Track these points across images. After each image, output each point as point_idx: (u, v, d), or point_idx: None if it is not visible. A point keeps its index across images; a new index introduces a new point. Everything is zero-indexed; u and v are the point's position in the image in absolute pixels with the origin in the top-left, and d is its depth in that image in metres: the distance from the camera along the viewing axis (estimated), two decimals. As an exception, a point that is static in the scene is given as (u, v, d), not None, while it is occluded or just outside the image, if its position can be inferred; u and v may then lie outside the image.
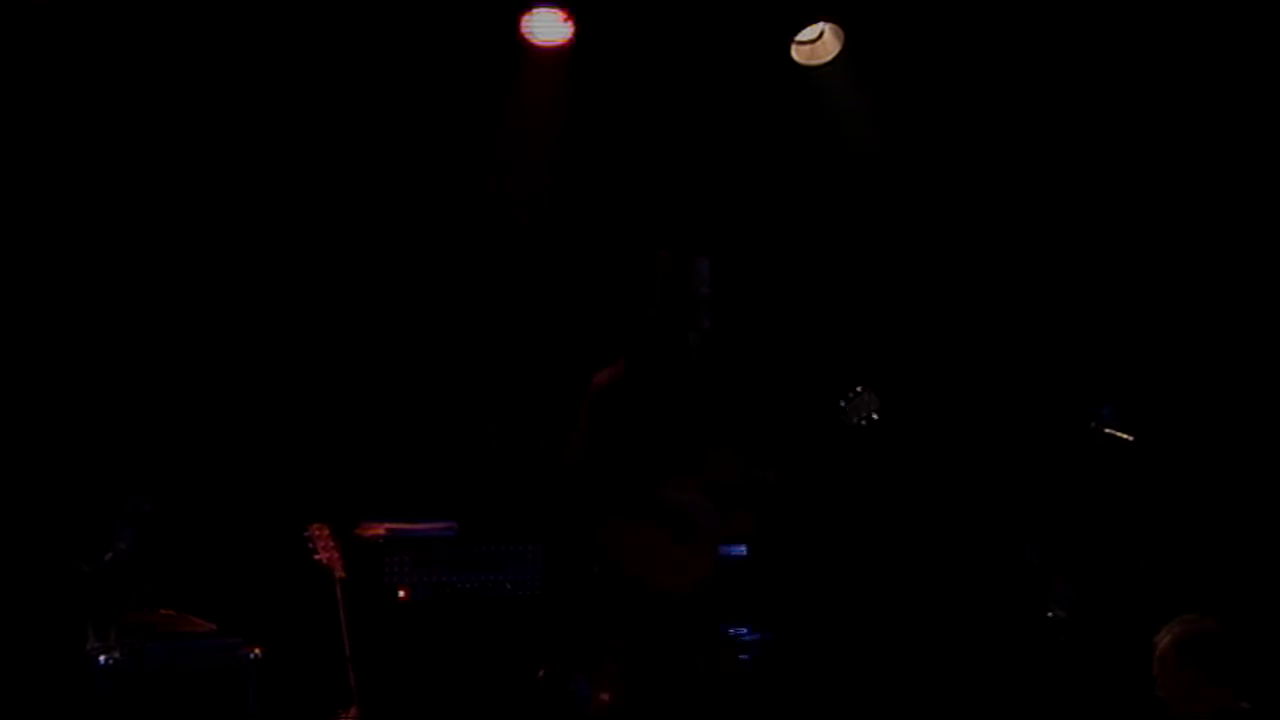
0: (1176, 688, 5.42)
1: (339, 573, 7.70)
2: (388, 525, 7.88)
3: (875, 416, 6.67)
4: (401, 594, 7.84)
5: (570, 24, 8.62)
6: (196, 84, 8.44)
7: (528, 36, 8.65)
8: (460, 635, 7.89)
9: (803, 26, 8.82)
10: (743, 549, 8.36)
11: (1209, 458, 8.59)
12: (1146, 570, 8.02)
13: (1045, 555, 8.23)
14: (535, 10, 8.60)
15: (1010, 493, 8.79)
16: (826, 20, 8.78)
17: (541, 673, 7.03)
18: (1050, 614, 8.12)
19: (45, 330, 8.28)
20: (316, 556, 7.74)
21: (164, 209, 8.52)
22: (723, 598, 6.81)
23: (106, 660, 7.29)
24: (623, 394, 6.66)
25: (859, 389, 6.73)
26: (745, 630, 8.23)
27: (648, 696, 6.46)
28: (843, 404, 6.72)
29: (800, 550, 8.86)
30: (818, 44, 8.86)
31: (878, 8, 8.82)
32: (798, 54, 8.88)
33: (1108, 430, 7.95)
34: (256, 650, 7.53)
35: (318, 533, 7.75)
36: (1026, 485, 8.71)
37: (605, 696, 6.50)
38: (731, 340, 8.96)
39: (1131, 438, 7.71)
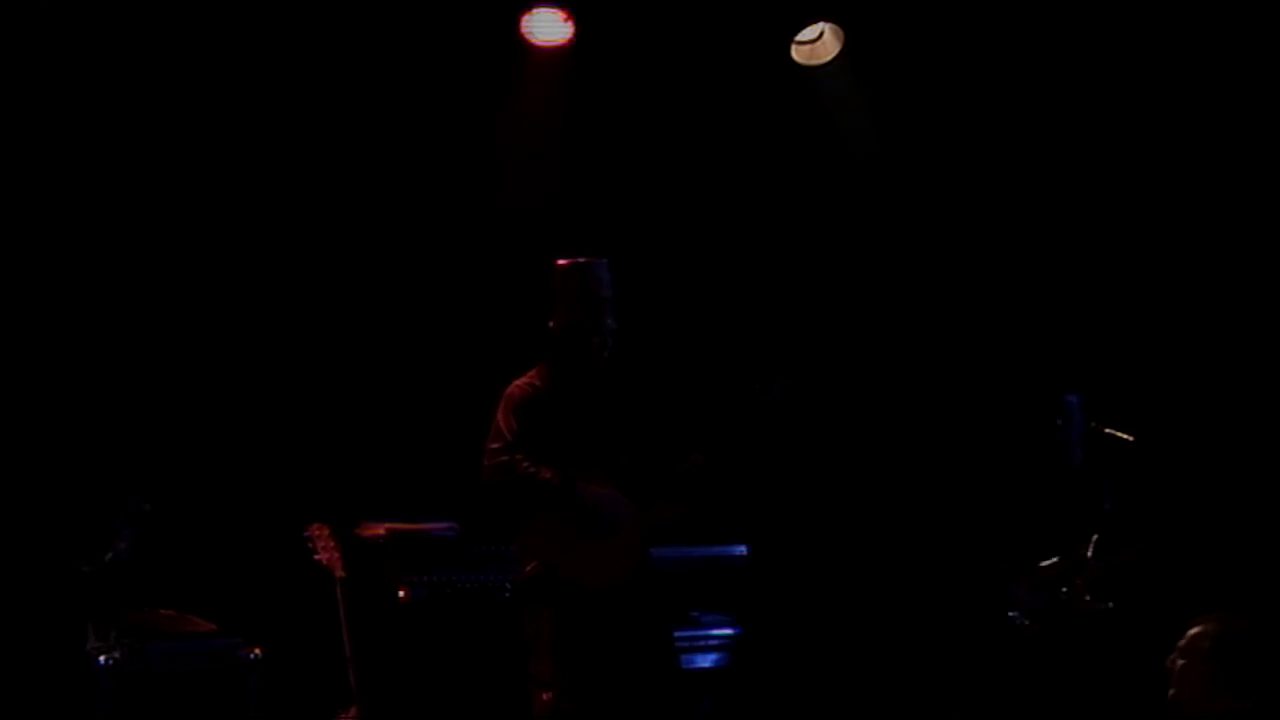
0: (1194, 676, 5.42)
1: (339, 573, 7.69)
2: (388, 525, 7.87)
3: (788, 392, 6.75)
4: (401, 594, 7.83)
5: (570, 24, 8.62)
6: (196, 84, 8.44)
7: (528, 36, 8.65)
8: (460, 635, 7.88)
9: (803, 26, 8.82)
10: (743, 549, 8.39)
11: (1180, 461, 8.59)
12: (1110, 574, 8.02)
13: (1010, 561, 8.24)
14: (535, 10, 8.60)
15: (979, 503, 8.80)
16: (826, 20, 8.78)
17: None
18: (1012, 618, 8.13)
19: (45, 330, 8.27)
20: (316, 556, 7.73)
21: (164, 209, 8.51)
22: (665, 592, 6.82)
23: (106, 660, 7.29)
24: (537, 401, 6.68)
25: (778, 376, 6.81)
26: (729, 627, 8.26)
27: (588, 692, 6.47)
28: (757, 386, 6.77)
29: (770, 554, 8.86)
30: (818, 44, 8.86)
31: (878, 8, 8.82)
32: (798, 54, 8.88)
33: (1108, 430, 7.96)
34: (256, 650, 7.54)
35: (318, 533, 7.75)
36: (995, 494, 8.72)
37: (546, 695, 6.51)
38: (721, 335, 9.07)
39: (1132, 438, 7.71)
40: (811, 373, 7.16)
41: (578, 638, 6.52)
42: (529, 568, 6.65)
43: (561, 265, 6.82)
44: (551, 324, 6.80)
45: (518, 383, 6.79)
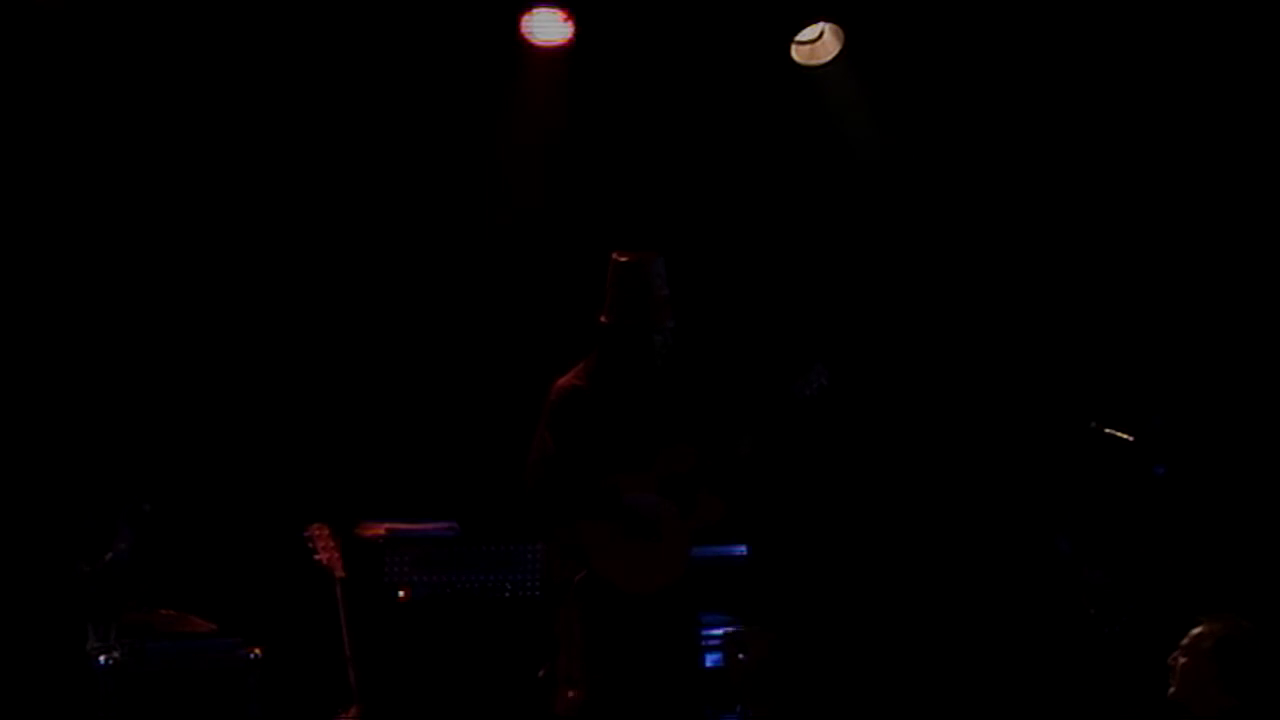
0: (1195, 675, 5.44)
1: (339, 573, 7.69)
2: (388, 525, 7.87)
3: (825, 383, 6.72)
4: (401, 594, 7.83)
5: (570, 24, 8.62)
6: (197, 84, 8.44)
7: (528, 36, 8.65)
8: (460, 635, 7.88)
9: (803, 26, 8.82)
10: (743, 549, 8.39)
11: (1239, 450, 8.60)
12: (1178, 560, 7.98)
13: (1078, 546, 8.19)
14: (535, 10, 8.60)
15: (1040, 481, 8.76)
16: (826, 20, 8.79)
17: (542, 673, 7.02)
18: (1088, 609, 8.06)
19: (45, 331, 8.28)
20: (316, 556, 7.73)
21: (164, 209, 8.52)
22: (698, 596, 6.79)
23: (106, 660, 7.29)
24: (581, 401, 6.61)
25: (811, 366, 6.77)
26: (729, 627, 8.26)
27: (617, 695, 6.45)
28: (796, 381, 6.72)
29: (820, 546, 8.87)
30: (818, 44, 8.86)
31: (878, 8, 8.82)
32: (798, 54, 8.88)
33: (1107, 430, 7.95)
34: (256, 650, 7.53)
35: (318, 533, 7.74)
36: (1057, 474, 8.68)
37: (572, 694, 6.49)
38: (732, 336, 9.07)
39: (1132, 438, 7.70)
40: (840, 364, 7.11)
41: (610, 639, 6.48)
42: (577, 577, 6.57)
43: (620, 260, 6.71)
44: (604, 319, 6.69)
45: (560, 383, 6.67)
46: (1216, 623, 5.47)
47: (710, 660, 8.14)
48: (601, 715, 6.45)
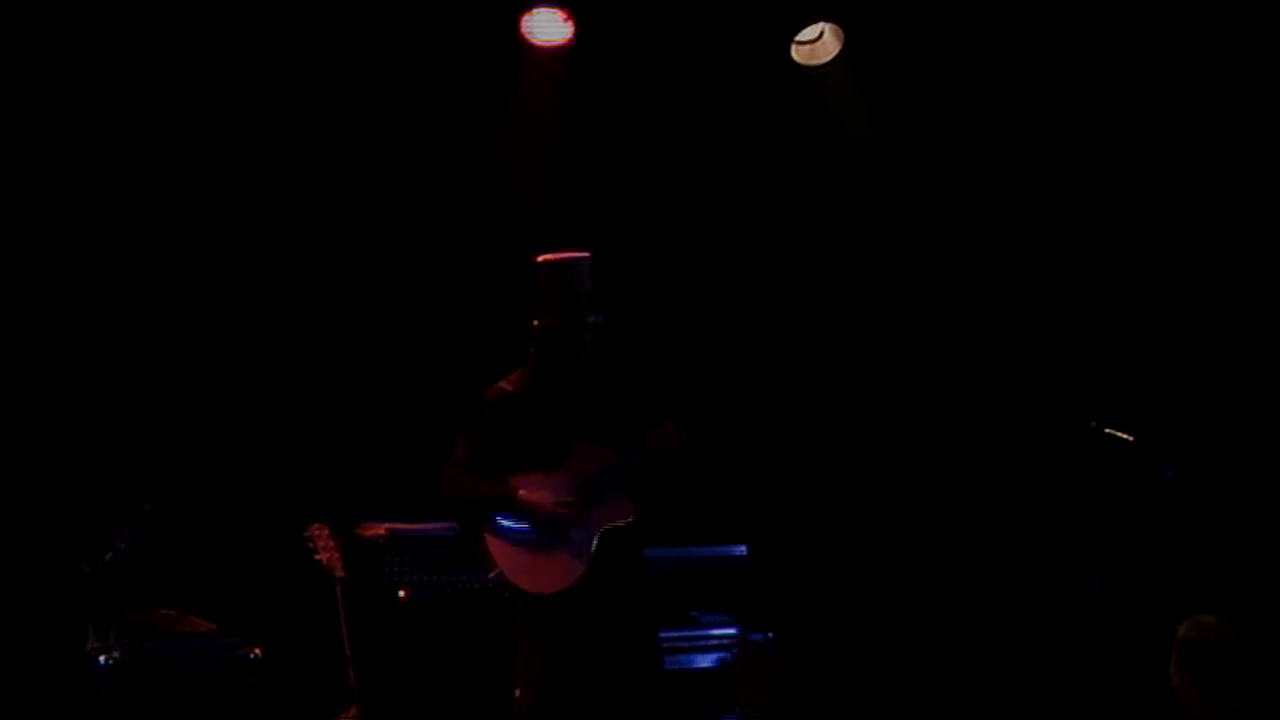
0: (1179, 685, 5.50)
1: (339, 573, 7.69)
2: (388, 525, 7.88)
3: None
4: (401, 594, 7.84)
5: (570, 24, 8.63)
6: (197, 84, 8.45)
7: (528, 36, 8.66)
8: (460, 635, 7.89)
9: (803, 26, 8.83)
10: (743, 549, 8.38)
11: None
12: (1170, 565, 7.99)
13: (1082, 542, 8.19)
14: (535, 10, 8.61)
15: (1042, 478, 8.77)
16: (826, 20, 8.79)
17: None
18: (1078, 606, 8.07)
19: (45, 331, 8.28)
20: (316, 556, 7.73)
21: (164, 209, 8.52)
22: (650, 592, 6.76)
23: (106, 660, 7.30)
24: (508, 407, 6.64)
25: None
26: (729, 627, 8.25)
27: (561, 691, 6.47)
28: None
29: (770, 554, 8.86)
30: (818, 44, 8.88)
31: (878, 8, 8.83)
32: (798, 54, 8.89)
33: (1107, 430, 7.95)
34: (256, 650, 7.54)
35: (318, 533, 7.74)
36: (1060, 472, 8.69)
37: (518, 692, 6.52)
38: (730, 333, 9.08)
39: (1132, 438, 7.71)
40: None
41: (547, 638, 6.50)
42: (493, 574, 6.65)
43: (542, 262, 6.76)
44: (536, 322, 6.74)
45: (491, 391, 6.73)
46: (1182, 629, 5.53)
47: (710, 660, 8.16)
48: (545, 714, 6.48)
